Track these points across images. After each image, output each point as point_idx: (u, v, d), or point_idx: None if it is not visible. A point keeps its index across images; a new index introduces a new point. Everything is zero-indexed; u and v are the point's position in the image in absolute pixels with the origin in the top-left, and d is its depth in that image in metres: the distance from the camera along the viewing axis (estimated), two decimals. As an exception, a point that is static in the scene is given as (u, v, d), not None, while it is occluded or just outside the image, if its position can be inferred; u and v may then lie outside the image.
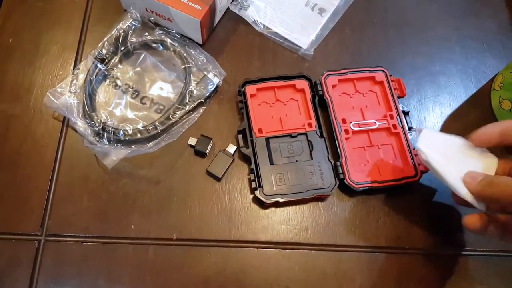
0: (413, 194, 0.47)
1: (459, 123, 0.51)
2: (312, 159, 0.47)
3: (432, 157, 0.39)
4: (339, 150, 0.47)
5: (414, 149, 0.47)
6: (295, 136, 0.48)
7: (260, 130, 0.48)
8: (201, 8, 0.48)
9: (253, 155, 0.46)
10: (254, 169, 0.46)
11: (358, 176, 0.46)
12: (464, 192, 0.38)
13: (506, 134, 0.38)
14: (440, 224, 0.46)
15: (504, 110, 0.49)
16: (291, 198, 0.45)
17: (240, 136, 0.48)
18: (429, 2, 0.58)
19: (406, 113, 0.50)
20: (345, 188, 0.46)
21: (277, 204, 0.46)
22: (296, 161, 0.47)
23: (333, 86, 0.50)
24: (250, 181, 0.46)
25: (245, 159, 0.48)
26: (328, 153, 0.47)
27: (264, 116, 0.49)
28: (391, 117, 0.49)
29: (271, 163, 0.46)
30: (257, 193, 0.45)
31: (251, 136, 0.47)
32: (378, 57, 0.54)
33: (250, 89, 0.49)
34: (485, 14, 0.57)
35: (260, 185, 0.45)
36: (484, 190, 0.36)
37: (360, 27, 0.56)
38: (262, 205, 0.46)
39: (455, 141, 0.41)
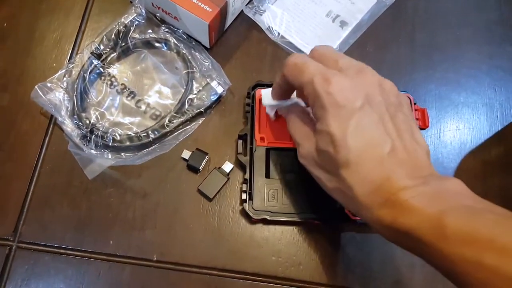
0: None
1: (478, 161, 0.47)
2: (313, 179, 0.43)
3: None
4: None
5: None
6: None
7: (262, 139, 0.44)
8: (211, 10, 0.44)
9: (249, 165, 0.43)
10: (248, 179, 0.42)
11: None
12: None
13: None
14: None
15: (530, 155, 0.45)
16: (281, 218, 0.41)
17: (240, 142, 0.44)
18: (463, 24, 0.53)
19: (423, 144, 0.46)
20: (343, 217, 0.42)
21: (264, 221, 0.42)
22: (295, 179, 0.43)
23: None
24: (241, 191, 0.42)
25: (241, 167, 0.44)
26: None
27: (271, 125, 0.45)
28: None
29: (267, 176, 0.43)
30: (245, 206, 0.41)
31: (251, 143, 0.44)
32: (400, 79, 0.50)
33: (260, 93, 0.45)
34: (523, 44, 0.53)
35: (250, 198, 0.42)
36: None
37: (384, 45, 0.51)
38: (250, 219, 0.42)
39: None
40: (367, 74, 0.34)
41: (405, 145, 0.32)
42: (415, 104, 0.47)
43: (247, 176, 0.42)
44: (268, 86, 0.46)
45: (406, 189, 0.29)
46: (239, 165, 0.44)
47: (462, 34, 0.53)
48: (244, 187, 0.42)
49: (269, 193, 0.42)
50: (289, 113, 0.38)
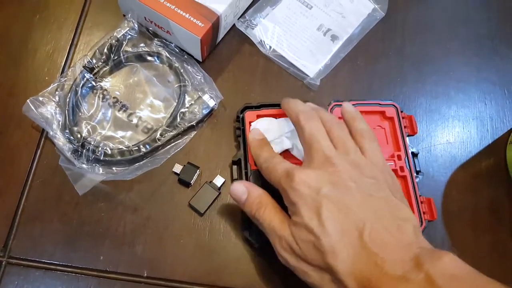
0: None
1: (469, 174, 0.47)
2: None
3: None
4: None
5: (420, 195, 0.43)
6: None
7: None
8: (203, 25, 0.44)
9: None
10: None
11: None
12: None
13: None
14: None
15: (519, 169, 0.45)
16: None
17: (235, 167, 0.44)
18: (452, 37, 0.54)
19: (415, 155, 0.46)
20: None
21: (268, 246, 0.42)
22: None
23: (340, 118, 0.46)
24: (242, 219, 0.42)
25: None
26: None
27: None
28: (399, 158, 0.45)
29: None
30: (246, 233, 0.41)
31: (246, 168, 0.43)
32: (390, 93, 0.50)
33: (249, 116, 0.45)
34: (510, 57, 0.53)
35: (250, 226, 0.41)
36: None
37: (374, 59, 0.52)
38: (252, 246, 0.42)
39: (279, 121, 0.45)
40: (334, 161, 0.35)
41: (385, 225, 0.32)
42: (401, 112, 0.47)
43: None
44: (256, 107, 0.46)
45: (399, 282, 0.29)
46: None
47: (452, 47, 0.53)
48: (244, 214, 0.42)
49: None
50: (258, 210, 0.36)
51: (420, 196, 0.44)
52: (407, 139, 0.46)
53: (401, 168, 0.45)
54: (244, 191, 0.37)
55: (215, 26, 0.46)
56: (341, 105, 0.46)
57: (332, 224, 0.31)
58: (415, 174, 0.45)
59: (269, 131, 0.44)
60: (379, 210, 0.33)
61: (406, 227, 0.32)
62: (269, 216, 0.35)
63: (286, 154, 0.45)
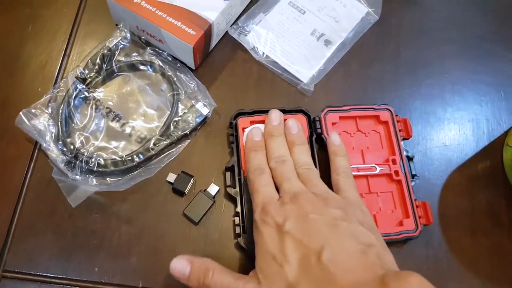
0: (409, 252, 0.43)
1: (465, 177, 0.47)
2: None
3: None
4: (334, 196, 0.43)
5: (416, 200, 0.43)
6: None
7: None
8: (195, 33, 0.44)
9: (239, 196, 0.42)
10: (240, 212, 0.42)
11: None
12: None
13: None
14: None
15: (515, 170, 0.45)
16: None
17: (228, 174, 0.44)
18: (447, 40, 0.53)
19: (410, 159, 0.46)
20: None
21: None
22: None
23: (333, 124, 0.46)
24: (234, 225, 0.42)
25: (232, 199, 0.44)
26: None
27: None
28: (394, 162, 0.45)
29: None
30: (240, 240, 0.41)
31: (239, 174, 0.43)
32: (385, 97, 0.50)
33: (243, 122, 0.45)
34: (505, 58, 0.53)
35: (244, 231, 0.41)
36: None
37: (368, 63, 0.51)
38: (246, 253, 0.42)
39: None
40: (300, 196, 0.36)
41: (347, 249, 0.32)
42: (396, 116, 0.47)
43: (238, 209, 0.42)
44: (249, 114, 0.46)
45: None
46: (229, 198, 0.44)
47: (447, 50, 0.53)
48: (237, 221, 0.42)
49: None
50: (205, 277, 0.35)
51: (415, 200, 0.44)
52: (402, 143, 0.46)
53: (396, 172, 0.45)
54: (186, 263, 0.35)
55: (208, 34, 0.46)
56: (334, 110, 0.46)
57: (293, 253, 0.32)
58: (410, 178, 0.45)
59: (262, 138, 0.44)
60: (342, 236, 0.33)
61: (370, 252, 0.32)
62: (219, 278, 0.34)
63: None
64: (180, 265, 0.35)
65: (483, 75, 0.52)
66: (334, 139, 0.44)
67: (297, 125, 0.44)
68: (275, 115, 0.44)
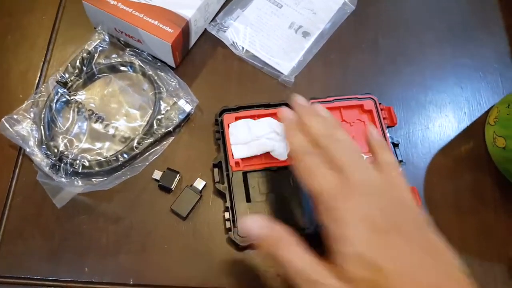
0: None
1: (449, 158, 0.47)
2: (294, 196, 0.43)
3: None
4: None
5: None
6: (275, 170, 0.44)
7: (237, 164, 0.44)
8: (172, 31, 0.45)
9: (228, 192, 0.43)
10: (230, 207, 0.42)
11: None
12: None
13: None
14: None
15: (497, 148, 0.45)
16: None
17: (216, 170, 0.44)
18: (425, 28, 0.54)
19: (396, 145, 0.46)
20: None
21: (253, 246, 0.42)
22: (276, 198, 0.43)
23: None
24: (224, 220, 0.42)
25: (221, 195, 0.44)
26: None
27: None
28: (379, 149, 0.45)
29: (248, 200, 0.42)
30: (231, 234, 0.41)
31: (227, 170, 0.44)
32: (366, 86, 0.50)
33: (228, 118, 0.46)
34: (483, 42, 0.53)
35: (235, 225, 0.41)
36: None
37: (347, 52, 0.52)
38: (237, 246, 0.42)
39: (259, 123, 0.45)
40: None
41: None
42: (380, 104, 0.47)
43: (228, 204, 0.42)
44: (234, 110, 0.46)
45: None
46: (218, 193, 0.44)
47: (425, 37, 0.54)
48: (227, 215, 0.42)
49: None
50: (280, 247, 0.31)
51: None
52: (386, 130, 0.46)
53: (382, 159, 0.45)
54: (265, 225, 0.32)
55: (185, 31, 0.46)
56: (319, 102, 0.47)
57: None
58: (397, 164, 0.45)
59: (248, 133, 0.44)
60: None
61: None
62: (295, 256, 0.30)
63: (267, 156, 0.45)
64: (258, 225, 0.32)
65: (461, 59, 0.52)
66: (374, 134, 0.38)
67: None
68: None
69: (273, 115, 0.46)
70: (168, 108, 0.46)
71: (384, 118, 0.47)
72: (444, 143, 0.48)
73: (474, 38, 0.54)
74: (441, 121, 0.49)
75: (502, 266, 0.42)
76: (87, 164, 0.42)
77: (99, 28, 0.48)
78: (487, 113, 0.50)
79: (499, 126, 0.46)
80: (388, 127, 0.47)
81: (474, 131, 0.49)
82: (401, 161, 0.45)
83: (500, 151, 0.45)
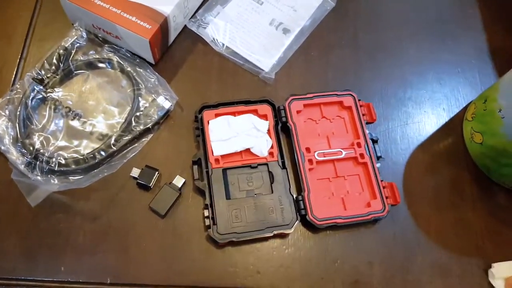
0: (378, 231, 0.44)
1: (428, 154, 0.48)
2: (272, 192, 0.43)
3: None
4: (302, 183, 0.43)
5: (382, 180, 0.44)
6: (255, 167, 0.44)
7: (217, 161, 0.43)
8: (150, 26, 0.44)
9: (208, 189, 0.42)
10: (209, 204, 0.42)
11: (321, 211, 0.42)
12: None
13: None
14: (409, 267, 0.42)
15: (475, 143, 0.46)
16: (248, 237, 0.41)
17: (195, 167, 0.44)
18: (403, 24, 0.54)
19: (375, 141, 0.46)
20: (307, 224, 0.42)
21: (232, 243, 0.42)
22: (255, 194, 0.43)
23: (298, 112, 0.47)
24: (204, 217, 0.42)
25: (200, 192, 0.43)
26: (289, 186, 0.43)
27: None
28: (359, 145, 0.46)
29: (228, 197, 0.42)
30: (210, 231, 0.40)
31: (206, 167, 0.43)
32: (346, 82, 0.50)
33: (208, 115, 0.45)
34: (462, 37, 0.54)
35: (214, 223, 0.41)
36: None
37: (327, 49, 0.52)
38: (217, 244, 0.41)
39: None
40: None
41: None
42: (359, 100, 0.48)
43: (207, 201, 0.42)
44: (214, 106, 0.46)
45: None
46: (198, 191, 0.44)
47: (403, 33, 0.54)
48: (206, 213, 0.41)
49: (232, 214, 0.42)
50: None
51: (382, 181, 0.44)
52: (366, 126, 0.47)
53: (361, 155, 0.45)
54: None
55: (164, 27, 0.46)
56: (298, 98, 0.47)
57: None
58: (376, 160, 0.45)
59: (228, 130, 0.44)
60: None
61: None
62: None
63: (247, 152, 0.45)
64: None
65: (440, 54, 0.53)
66: None
67: None
68: None
69: (254, 112, 0.46)
70: (147, 105, 0.46)
71: (363, 115, 0.47)
72: (423, 139, 0.49)
73: (452, 33, 0.54)
74: (420, 117, 0.50)
75: (479, 259, 0.43)
76: (63, 162, 0.42)
77: (77, 24, 0.47)
78: (465, 109, 0.50)
79: (476, 122, 0.46)
80: (367, 123, 0.47)
81: (453, 127, 0.49)
82: (379, 157, 0.46)
83: (477, 146, 0.46)
